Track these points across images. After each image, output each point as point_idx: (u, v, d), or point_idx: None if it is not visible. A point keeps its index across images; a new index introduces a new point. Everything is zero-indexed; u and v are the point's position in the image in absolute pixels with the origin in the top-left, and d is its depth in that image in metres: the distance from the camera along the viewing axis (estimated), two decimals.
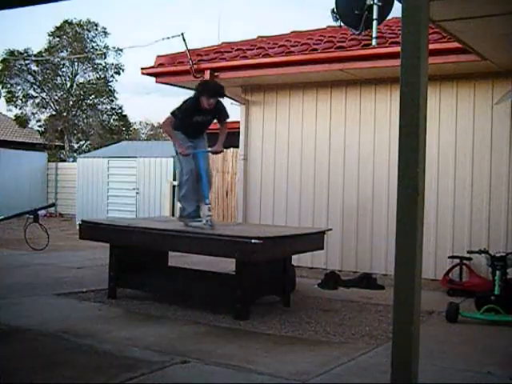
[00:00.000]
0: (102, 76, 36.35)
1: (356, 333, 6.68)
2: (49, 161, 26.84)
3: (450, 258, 9.44)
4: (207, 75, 10.97)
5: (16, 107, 35.29)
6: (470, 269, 9.21)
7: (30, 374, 4.98)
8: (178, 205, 9.03)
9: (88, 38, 35.55)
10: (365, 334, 6.64)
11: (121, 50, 35.54)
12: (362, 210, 10.52)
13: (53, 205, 18.41)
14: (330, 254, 10.59)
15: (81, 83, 36.23)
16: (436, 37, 8.75)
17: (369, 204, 10.46)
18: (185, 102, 8.22)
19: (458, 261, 9.31)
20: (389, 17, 9.32)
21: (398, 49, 3.98)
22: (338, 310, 7.90)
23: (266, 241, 6.96)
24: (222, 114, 8.34)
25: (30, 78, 35.13)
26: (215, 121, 8.44)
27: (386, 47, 9.22)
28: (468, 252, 8.84)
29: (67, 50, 35.07)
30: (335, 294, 9.03)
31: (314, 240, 8.16)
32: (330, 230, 8.81)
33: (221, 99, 8.21)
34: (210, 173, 8.53)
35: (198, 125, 8.27)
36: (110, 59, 37.88)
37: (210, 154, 8.49)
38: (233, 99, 11.92)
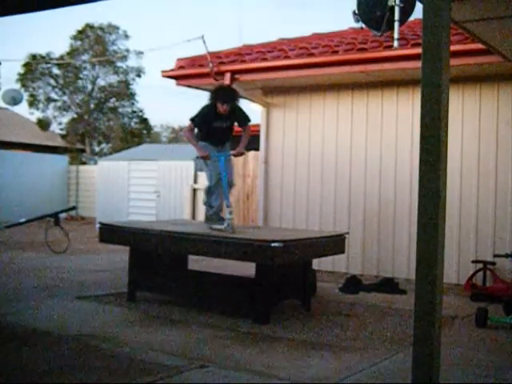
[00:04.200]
0: (123, 79, 36.49)
1: (377, 338, 6.61)
2: (70, 164, 26.97)
3: (473, 262, 9.34)
4: (227, 78, 10.95)
5: (38, 110, 35.54)
6: (494, 273, 9.10)
7: (48, 377, 4.96)
8: (203, 208, 9.29)
9: (109, 41, 35.70)
10: (386, 339, 6.56)
11: (141, 53, 35.68)
12: (384, 214, 10.44)
13: (73, 208, 18.45)
14: (351, 257, 10.52)
15: (102, 86, 36.39)
16: (458, 38, 8.66)
17: (391, 208, 10.37)
18: (202, 108, 8.32)
19: (481, 265, 9.21)
20: (411, 18, 9.25)
21: (419, 50, 3.92)
22: (359, 315, 7.82)
23: (287, 244, 6.90)
24: (240, 118, 8.41)
25: (51, 81, 35.34)
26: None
27: (408, 49, 9.15)
28: (494, 256, 8.75)
29: (88, 53, 35.27)
30: (356, 299, 8.95)
31: (334, 244, 8.09)
32: (347, 233, 8.73)
33: (236, 103, 8.27)
34: (231, 176, 8.53)
35: (219, 131, 8.32)
36: (131, 62, 38.06)
37: (233, 158, 8.58)
38: (253, 101, 11.88)
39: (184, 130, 8.60)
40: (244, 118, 8.44)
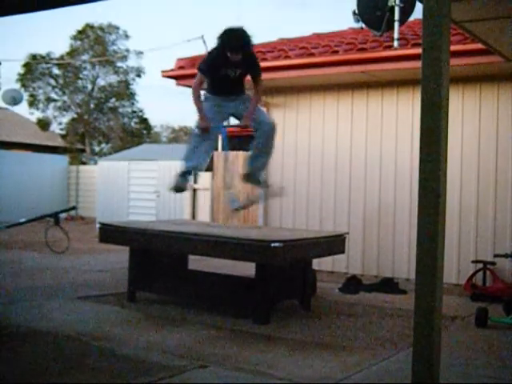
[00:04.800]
0: (123, 79, 36.49)
1: (377, 338, 6.60)
2: (70, 164, 26.97)
3: (473, 262, 9.34)
4: None
5: (38, 110, 35.55)
6: (494, 273, 9.10)
7: (49, 376, 4.96)
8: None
9: (109, 41, 35.70)
10: (386, 339, 6.56)
11: (141, 53, 35.69)
12: (384, 214, 10.43)
13: (73, 208, 18.42)
14: (351, 257, 10.52)
15: (102, 86, 36.39)
16: (459, 38, 8.66)
17: (391, 208, 10.37)
18: (209, 53, 7.35)
19: (481, 265, 9.21)
20: (411, 18, 9.25)
21: (419, 50, 3.92)
22: (359, 315, 7.82)
23: (287, 244, 6.90)
24: (252, 68, 7.28)
25: (51, 81, 35.35)
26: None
27: (408, 49, 9.15)
28: (494, 256, 8.75)
29: (88, 54, 35.27)
30: (356, 299, 8.95)
31: (334, 244, 8.08)
32: (347, 233, 8.73)
33: (249, 49, 7.07)
34: (266, 119, 7.53)
35: (229, 81, 7.19)
36: (131, 62, 38.06)
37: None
38: None
39: (193, 85, 7.26)
40: (256, 70, 7.33)
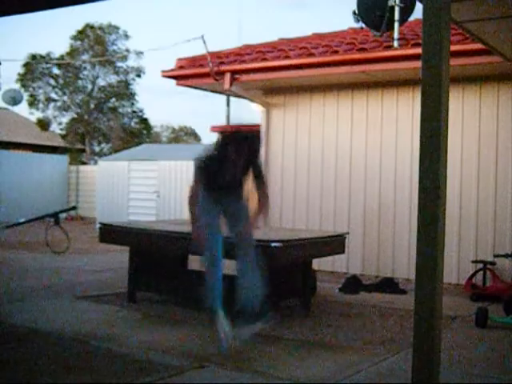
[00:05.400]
0: (123, 79, 36.48)
1: (377, 338, 6.60)
2: (70, 164, 26.96)
3: (473, 262, 9.33)
4: (227, 78, 10.95)
5: (38, 110, 35.55)
6: (494, 273, 9.09)
7: (49, 377, 4.96)
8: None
9: (109, 41, 35.70)
10: (386, 339, 6.55)
11: (141, 53, 35.67)
12: (384, 214, 10.43)
13: (74, 208, 18.43)
14: (351, 257, 10.52)
15: (102, 86, 36.39)
16: (458, 38, 8.66)
17: (391, 208, 10.37)
18: (200, 164, 6.23)
19: (481, 265, 9.20)
20: (411, 18, 9.24)
21: (419, 50, 3.92)
22: (359, 315, 7.81)
23: (286, 244, 6.90)
24: (257, 171, 6.42)
25: (51, 81, 35.34)
26: None
27: (408, 49, 9.15)
28: (494, 256, 8.75)
29: (88, 54, 35.27)
30: (356, 299, 8.94)
31: (334, 244, 8.08)
32: (347, 233, 8.73)
33: (257, 151, 6.33)
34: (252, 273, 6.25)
35: (226, 185, 6.34)
36: (131, 62, 38.05)
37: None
38: (253, 101, 11.88)
39: (188, 199, 6.48)
40: (260, 171, 6.51)
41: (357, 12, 9.52)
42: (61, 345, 5.99)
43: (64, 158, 26.86)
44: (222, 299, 6.14)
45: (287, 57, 10.54)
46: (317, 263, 9.57)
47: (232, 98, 14.57)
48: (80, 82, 35.74)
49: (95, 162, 29.60)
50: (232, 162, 6.07)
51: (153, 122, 47.23)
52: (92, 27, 35.35)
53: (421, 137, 3.79)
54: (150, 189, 19.89)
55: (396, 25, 9.00)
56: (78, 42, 35.31)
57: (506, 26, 6.57)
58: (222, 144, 6.19)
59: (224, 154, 6.07)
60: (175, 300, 8.24)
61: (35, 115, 35.75)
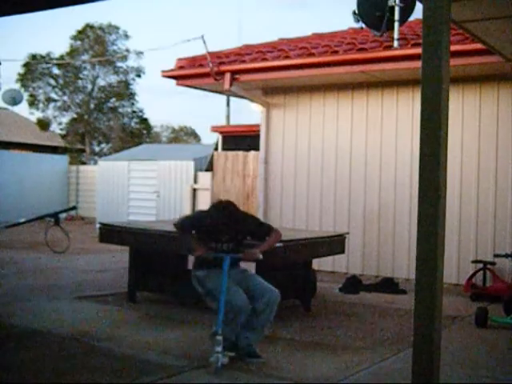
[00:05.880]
0: (123, 79, 36.46)
1: (377, 338, 6.60)
2: (70, 164, 26.94)
3: (473, 262, 9.33)
4: (227, 78, 10.95)
5: (38, 110, 35.52)
6: (494, 273, 9.09)
7: (49, 377, 4.96)
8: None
9: (109, 41, 35.67)
10: (386, 339, 6.56)
11: (141, 53, 35.64)
12: (384, 214, 10.43)
13: (74, 208, 18.38)
14: (351, 257, 10.51)
15: (102, 86, 36.36)
16: (459, 38, 8.67)
17: (391, 208, 10.36)
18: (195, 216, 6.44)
19: (481, 265, 9.20)
20: (411, 18, 9.24)
21: (419, 50, 3.92)
22: (360, 315, 7.81)
23: (287, 244, 6.89)
24: (254, 233, 6.23)
25: (51, 81, 35.32)
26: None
27: (408, 49, 9.16)
28: (494, 255, 8.74)
29: (88, 54, 35.24)
30: (356, 299, 8.94)
31: (334, 244, 8.08)
32: (347, 233, 8.73)
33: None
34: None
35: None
36: (131, 62, 38.00)
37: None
38: (253, 101, 11.88)
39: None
40: (260, 228, 6.27)
41: (357, 12, 9.51)
42: (61, 345, 5.99)
43: (64, 158, 26.84)
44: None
45: (287, 57, 10.54)
46: (317, 263, 9.57)
47: (232, 98, 14.58)
48: (80, 82, 35.70)
49: (95, 162, 29.57)
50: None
51: (153, 122, 47.27)
52: (92, 27, 35.31)
53: (421, 137, 3.79)
54: (149, 189, 19.88)
55: (396, 25, 8.99)
56: (78, 42, 35.26)
57: (506, 26, 6.56)
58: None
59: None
60: (175, 300, 8.24)
61: (35, 115, 35.72)
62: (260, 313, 5.72)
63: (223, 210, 5.91)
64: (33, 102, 35.11)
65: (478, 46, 7.99)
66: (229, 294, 5.58)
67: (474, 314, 7.25)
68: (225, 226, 5.86)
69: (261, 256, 5.90)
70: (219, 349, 5.20)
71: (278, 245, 6.73)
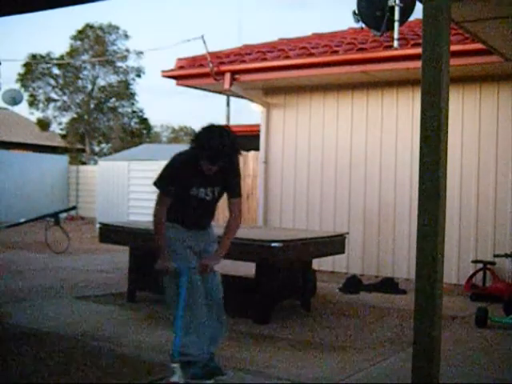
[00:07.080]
0: (123, 79, 36.48)
1: (377, 338, 6.60)
2: (70, 164, 26.95)
3: (473, 262, 9.33)
4: (227, 78, 10.95)
5: (38, 110, 35.54)
6: (494, 273, 9.09)
7: (49, 376, 4.96)
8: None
9: (109, 41, 35.69)
10: (386, 339, 6.55)
11: (141, 53, 35.68)
12: (384, 214, 10.43)
13: (74, 208, 18.42)
14: (351, 257, 10.52)
15: (102, 86, 36.38)
16: (459, 38, 8.67)
17: (391, 208, 10.36)
18: (172, 160, 4.99)
19: (481, 265, 9.20)
20: (411, 18, 9.23)
21: (419, 50, 3.92)
22: (359, 315, 7.81)
23: (287, 244, 6.90)
24: (231, 186, 5.18)
25: (51, 81, 35.33)
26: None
27: (408, 49, 9.15)
28: (494, 256, 8.74)
29: (88, 54, 35.26)
30: (356, 299, 8.94)
31: (334, 244, 8.08)
32: (347, 233, 8.73)
33: (232, 160, 5.06)
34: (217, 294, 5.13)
35: (199, 204, 5.06)
36: (131, 62, 38.03)
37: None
38: (253, 101, 11.88)
39: (155, 210, 5.17)
40: (238, 186, 5.28)
41: (357, 12, 9.50)
42: (60, 345, 5.98)
43: (64, 158, 26.85)
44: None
45: (287, 57, 10.54)
46: (317, 263, 9.57)
47: (232, 98, 14.57)
48: (80, 81, 35.72)
49: (95, 162, 29.59)
50: (203, 170, 4.84)
51: (153, 121, 47.37)
52: (92, 27, 35.33)
53: (421, 137, 3.79)
54: (149, 189, 19.83)
55: (396, 25, 8.98)
56: (78, 42, 35.29)
57: (506, 26, 6.56)
58: (193, 148, 4.84)
59: (195, 159, 4.82)
60: None
61: (35, 115, 35.77)
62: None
63: (223, 135, 4.85)
64: (33, 102, 35.15)
65: (478, 45, 7.99)
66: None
67: (473, 314, 7.25)
68: (223, 161, 4.81)
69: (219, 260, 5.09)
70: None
71: (277, 245, 6.74)
